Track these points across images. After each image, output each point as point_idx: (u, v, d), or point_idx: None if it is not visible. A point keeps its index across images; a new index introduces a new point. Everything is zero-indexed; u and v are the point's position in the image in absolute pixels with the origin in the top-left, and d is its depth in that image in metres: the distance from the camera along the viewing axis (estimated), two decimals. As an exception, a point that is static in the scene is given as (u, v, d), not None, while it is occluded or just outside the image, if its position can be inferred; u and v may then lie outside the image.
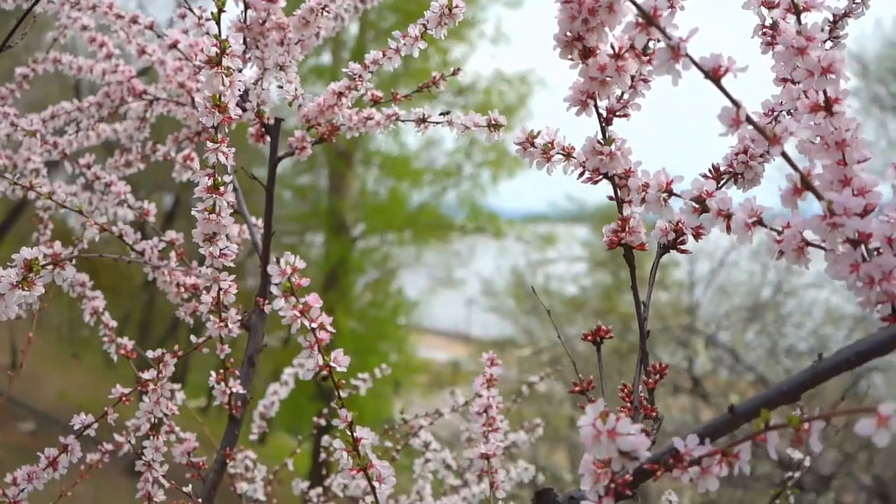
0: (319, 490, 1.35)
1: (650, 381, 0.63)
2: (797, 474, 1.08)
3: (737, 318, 6.18)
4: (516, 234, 10.73)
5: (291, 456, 1.36)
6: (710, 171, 0.69)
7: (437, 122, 0.94)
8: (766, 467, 6.06)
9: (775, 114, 0.69)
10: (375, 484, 0.64)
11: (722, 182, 0.69)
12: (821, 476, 5.89)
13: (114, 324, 1.11)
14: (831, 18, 0.73)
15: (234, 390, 0.97)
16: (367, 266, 11.58)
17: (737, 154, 0.69)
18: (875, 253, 0.52)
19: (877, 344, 0.49)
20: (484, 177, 11.80)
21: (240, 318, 0.91)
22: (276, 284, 0.61)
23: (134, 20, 1.09)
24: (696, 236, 0.67)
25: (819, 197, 0.51)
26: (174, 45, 1.04)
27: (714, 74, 0.50)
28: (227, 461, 0.98)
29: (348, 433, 0.65)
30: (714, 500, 5.74)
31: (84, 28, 1.19)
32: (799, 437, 0.45)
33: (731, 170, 0.69)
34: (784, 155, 0.51)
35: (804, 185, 0.51)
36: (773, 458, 0.47)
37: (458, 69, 0.98)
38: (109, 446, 1.12)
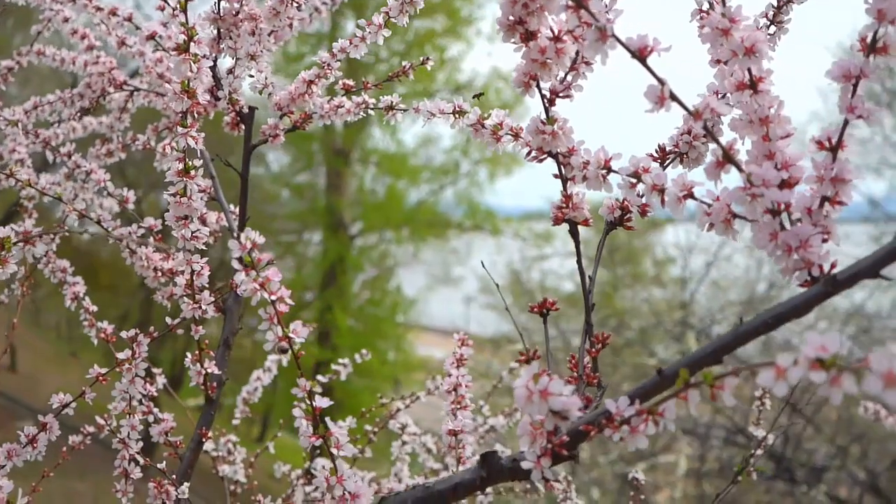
0: (299, 471, 1.38)
1: (593, 350, 0.66)
2: (758, 451, 1.11)
3: (731, 312, 6.21)
4: (513, 232, 10.76)
5: (273, 439, 1.39)
6: (655, 150, 0.72)
7: (404, 110, 0.97)
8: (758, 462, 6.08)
9: (720, 95, 0.72)
10: (334, 451, 0.67)
11: (668, 161, 0.72)
12: (813, 469, 5.93)
13: (94, 308, 1.13)
14: (776, 3, 0.76)
15: (209, 371, 1.00)
16: (365, 264, 11.60)
17: (681, 134, 0.71)
18: (797, 223, 0.55)
19: (793, 308, 0.52)
20: (481, 174, 11.83)
21: (213, 299, 0.94)
22: (237, 259, 0.64)
23: (113, 12, 1.12)
24: (643, 213, 0.70)
25: (740, 169, 0.54)
26: (152, 37, 1.07)
27: (640, 54, 0.53)
28: (203, 440, 1.01)
29: (307, 402, 0.68)
30: (707, 494, 5.77)
31: (66, 20, 1.22)
32: (713, 394, 0.48)
33: (676, 149, 0.71)
34: (706, 129, 0.54)
35: (726, 158, 0.54)
36: (693, 412, 0.50)
37: (428, 58, 1.01)
38: (91, 428, 1.15)
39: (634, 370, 6.28)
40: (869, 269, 0.50)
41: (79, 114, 1.20)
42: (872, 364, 0.38)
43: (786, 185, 0.55)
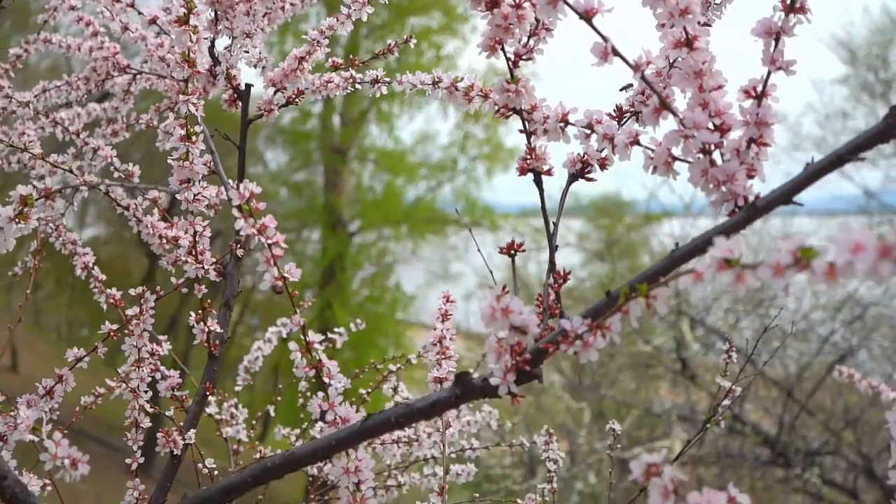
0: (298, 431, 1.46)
1: (556, 285, 0.74)
2: (727, 402, 1.18)
3: (724, 299, 6.29)
4: (512, 228, 10.83)
5: (273, 403, 1.47)
6: (614, 109, 0.80)
7: (388, 82, 1.04)
8: (750, 448, 6.17)
9: (671, 59, 0.80)
10: (326, 379, 0.75)
11: (625, 119, 0.80)
12: (807, 452, 6.02)
13: (103, 277, 1.21)
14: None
15: (212, 329, 1.07)
16: (363, 261, 11.68)
17: (637, 94, 0.79)
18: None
19: (721, 231, 0.60)
20: (479, 171, 11.90)
21: (214, 260, 1.01)
22: (236, 207, 0.71)
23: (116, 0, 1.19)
24: (602, 167, 0.78)
25: (674, 114, 0.62)
26: (153, 21, 1.15)
27: (587, 15, 0.61)
28: (208, 394, 1.09)
29: (302, 337, 0.75)
30: (700, 478, 5.86)
31: (72, 8, 1.29)
32: (648, 303, 0.56)
33: (632, 108, 0.79)
34: (644, 79, 0.62)
35: (662, 105, 0.62)
36: (634, 326, 0.57)
37: (411, 37, 1.09)
38: (102, 389, 1.22)
39: (631, 358, 6.36)
40: (783, 197, 0.57)
41: (85, 97, 1.27)
42: (764, 258, 0.45)
43: (719, 129, 0.63)
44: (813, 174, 0.57)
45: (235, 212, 0.72)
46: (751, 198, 0.61)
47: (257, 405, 1.92)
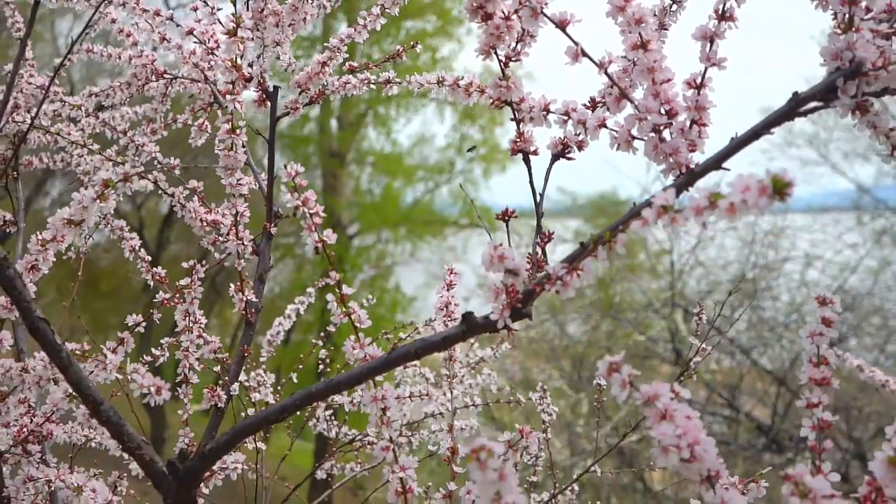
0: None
1: (542, 243, 0.90)
2: (697, 359, 1.35)
3: (720, 290, 6.47)
4: (511, 228, 10.97)
5: (305, 358, 1.62)
6: (588, 101, 0.96)
7: (399, 82, 1.21)
8: (744, 436, 6.34)
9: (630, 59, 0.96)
10: (357, 324, 0.92)
11: (597, 109, 0.96)
12: (800, 439, 6.19)
13: (149, 258, 1.38)
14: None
15: (249, 299, 1.24)
16: (363, 264, 11.82)
17: (606, 87, 0.96)
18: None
19: (671, 188, 0.76)
20: (476, 172, 12.07)
21: (253, 237, 1.18)
22: (284, 182, 0.88)
23: (157, 13, 1.36)
24: (579, 148, 0.94)
25: (632, 102, 0.79)
26: (190, 32, 1.31)
27: (562, 25, 0.78)
28: (245, 355, 1.26)
29: (337, 291, 0.92)
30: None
31: (113, 21, 1.46)
32: (611, 245, 0.73)
33: (603, 100, 0.96)
34: (607, 75, 0.78)
35: (622, 95, 0.79)
36: (603, 264, 0.74)
37: (416, 43, 1.26)
38: (148, 358, 1.39)
39: (627, 349, 6.54)
40: (713, 164, 0.74)
41: (128, 99, 1.44)
42: (687, 203, 0.62)
43: (668, 114, 0.80)
44: (737, 145, 0.73)
45: (284, 187, 0.89)
46: (692, 166, 0.78)
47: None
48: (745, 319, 6.82)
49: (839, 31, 0.71)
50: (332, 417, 1.79)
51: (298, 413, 1.87)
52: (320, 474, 1.71)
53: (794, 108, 0.72)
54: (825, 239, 8.17)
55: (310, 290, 1.82)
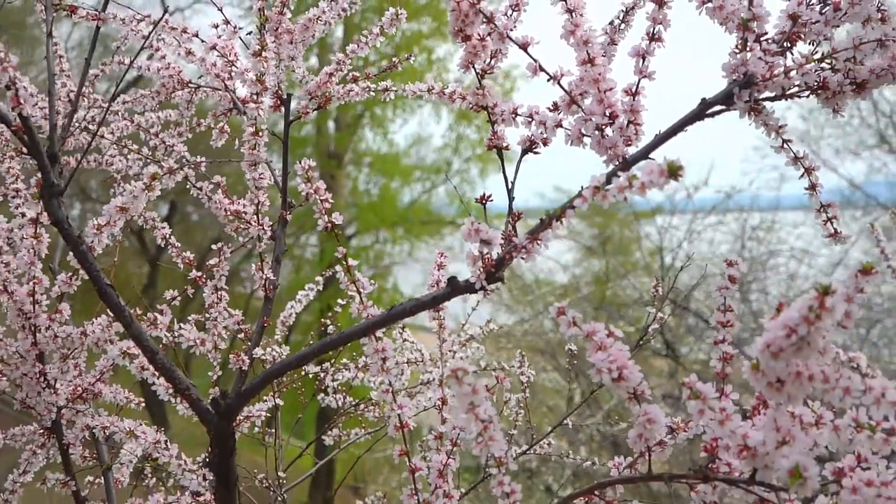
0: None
1: (513, 220, 1.11)
2: (654, 326, 1.55)
3: (710, 282, 6.67)
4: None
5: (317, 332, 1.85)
6: (552, 104, 1.17)
7: (395, 90, 1.41)
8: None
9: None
10: (361, 290, 1.12)
11: (558, 111, 1.16)
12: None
13: (178, 244, 1.58)
14: (625, 9, 1.21)
15: (268, 277, 1.44)
16: (361, 264, 11.98)
17: (563, 95, 1.16)
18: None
19: (614, 171, 0.97)
20: (473, 171, 12.27)
21: (272, 223, 1.38)
22: (299, 174, 1.08)
23: (184, 31, 1.56)
24: (544, 143, 1.15)
25: (579, 106, 0.99)
26: (213, 47, 1.51)
27: (523, 46, 0.98)
28: (265, 325, 1.46)
29: (344, 262, 1.12)
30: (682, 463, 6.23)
31: (144, 38, 1.66)
32: (560, 220, 0.93)
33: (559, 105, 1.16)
34: (560, 85, 0.99)
35: (571, 101, 0.99)
36: (560, 234, 0.94)
37: (409, 55, 1.46)
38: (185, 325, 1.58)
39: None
40: (641, 155, 0.95)
41: (158, 105, 1.64)
42: (610, 188, 0.82)
43: (610, 116, 1.00)
44: (660, 140, 0.94)
45: (298, 178, 1.09)
46: (627, 157, 0.98)
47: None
48: (734, 312, 7.00)
49: (736, 51, 0.92)
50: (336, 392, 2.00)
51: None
52: (328, 440, 1.91)
53: (703, 110, 0.93)
54: (816, 234, 8.40)
55: (318, 278, 2.01)
